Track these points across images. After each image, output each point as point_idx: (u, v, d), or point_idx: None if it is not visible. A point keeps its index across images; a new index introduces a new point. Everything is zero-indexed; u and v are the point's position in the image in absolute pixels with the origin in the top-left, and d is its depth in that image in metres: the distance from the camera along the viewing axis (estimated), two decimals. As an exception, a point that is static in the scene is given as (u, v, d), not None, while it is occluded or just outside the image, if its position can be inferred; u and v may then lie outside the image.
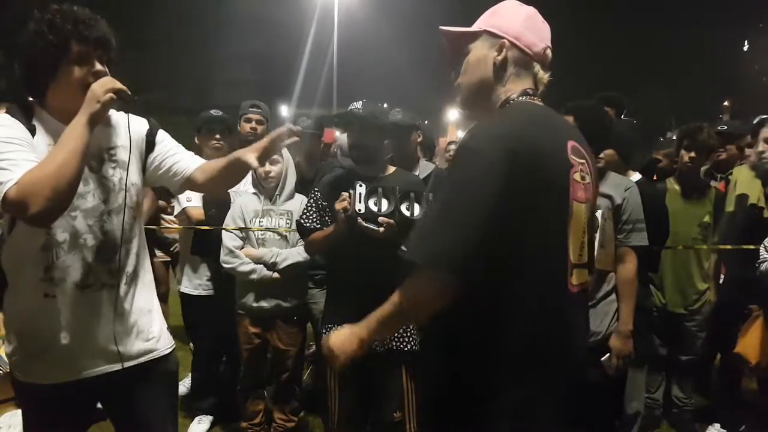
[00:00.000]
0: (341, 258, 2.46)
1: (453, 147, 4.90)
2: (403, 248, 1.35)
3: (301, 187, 3.13)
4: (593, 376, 2.42)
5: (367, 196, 2.26)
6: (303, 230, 2.56)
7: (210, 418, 3.35)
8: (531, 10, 1.47)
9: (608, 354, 2.50)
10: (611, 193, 2.55)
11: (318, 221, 2.52)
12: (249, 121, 3.59)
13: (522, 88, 1.43)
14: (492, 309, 1.31)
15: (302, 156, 3.53)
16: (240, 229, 2.98)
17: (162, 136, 1.81)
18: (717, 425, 3.39)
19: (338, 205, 2.28)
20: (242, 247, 2.96)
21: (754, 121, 4.04)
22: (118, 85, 1.52)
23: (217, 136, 3.28)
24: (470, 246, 1.23)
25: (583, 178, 1.41)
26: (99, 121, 1.53)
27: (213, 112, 3.47)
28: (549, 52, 1.47)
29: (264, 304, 2.92)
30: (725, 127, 4.01)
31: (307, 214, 2.54)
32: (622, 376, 2.71)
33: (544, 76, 1.47)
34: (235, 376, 3.18)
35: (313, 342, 3.63)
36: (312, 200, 2.55)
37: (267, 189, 3.00)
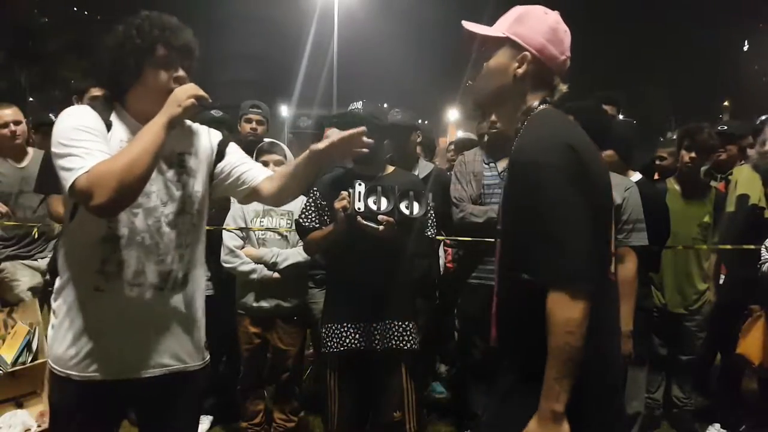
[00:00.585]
0: (340, 257, 2.46)
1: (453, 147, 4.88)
2: (526, 276, 1.37)
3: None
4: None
5: (367, 195, 2.27)
6: (302, 230, 2.56)
7: (210, 418, 3.35)
8: (555, 20, 1.47)
9: None
10: (612, 193, 2.55)
11: (317, 221, 2.52)
12: (249, 121, 3.59)
13: (541, 97, 1.47)
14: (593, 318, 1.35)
15: (302, 156, 3.53)
16: (240, 229, 2.98)
17: (233, 147, 1.84)
18: (717, 425, 3.39)
19: (338, 204, 2.28)
20: (243, 247, 2.96)
21: (757, 122, 4.04)
22: (201, 92, 1.58)
23: (218, 136, 3.28)
24: (591, 254, 1.30)
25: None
26: (177, 125, 1.58)
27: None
28: (568, 62, 1.50)
29: (264, 304, 2.92)
30: (725, 127, 4.01)
31: (306, 213, 2.54)
32: (624, 376, 2.70)
33: (562, 86, 1.51)
34: (235, 376, 3.18)
35: (313, 342, 3.63)
36: (311, 200, 2.55)
37: (267, 189, 3.00)
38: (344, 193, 2.29)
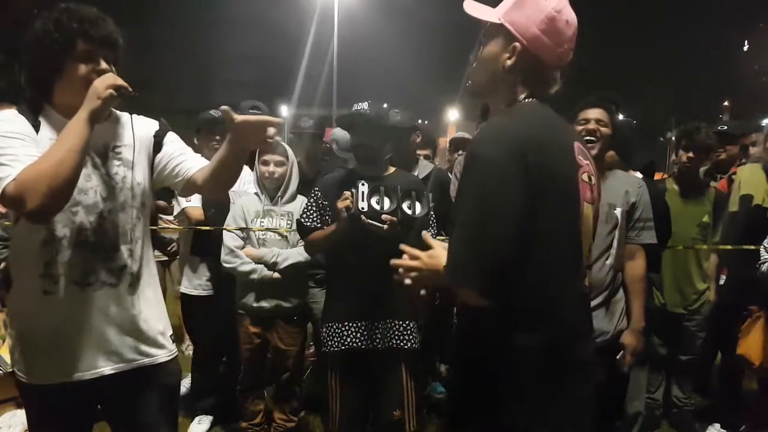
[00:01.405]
0: (342, 257, 2.46)
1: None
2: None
3: (302, 187, 3.13)
4: (599, 375, 2.42)
5: (370, 195, 2.27)
6: (303, 229, 2.56)
7: (210, 418, 3.35)
8: (555, 8, 1.35)
9: (621, 352, 2.50)
10: (628, 190, 2.56)
11: (318, 220, 2.52)
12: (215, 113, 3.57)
13: (530, 90, 1.40)
14: (513, 311, 1.30)
15: (303, 156, 3.53)
16: (240, 229, 2.98)
17: (171, 137, 1.80)
18: (717, 425, 3.39)
19: (340, 204, 2.28)
20: (243, 247, 2.96)
21: (763, 122, 4.03)
22: (120, 81, 1.52)
23: (218, 137, 3.28)
24: (497, 258, 1.24)
25: (589, 179, 1.41)
26: (100, 118, 1.53)
27: (213, 112, 3.47)
28: (569, 54, 1.40)
29: (264, 304, 2.92)
30: (725, 127, 4.01)
31: (308, 213, 2.54)
32: (626, 376, 2.71)
33: (557, 79, 1.42)
34: (235, 376, 3.18)
35: (313, 342, 3.63)
36: (312, 200, 2.55)
37: (269, 189, 3.00)
38: (347, 193, 2.29)
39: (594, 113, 2.46)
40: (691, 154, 3.16)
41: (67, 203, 1.49)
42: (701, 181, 3.49)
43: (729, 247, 3.19)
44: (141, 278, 1.71)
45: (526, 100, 1.39)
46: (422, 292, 1.47)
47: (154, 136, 1.76)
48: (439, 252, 1.41)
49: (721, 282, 3.48)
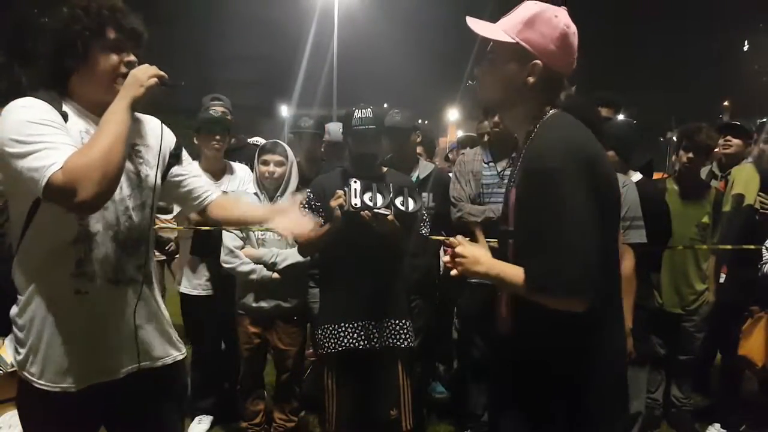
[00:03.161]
0: (336, 258, 2.46)
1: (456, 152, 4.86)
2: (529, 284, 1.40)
3: (302, 187, 3.13)
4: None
5: (362, 192, 2.27)
6: None
7: (210, 418, 3.35)
8: (565, 24, 1.43)
9: None
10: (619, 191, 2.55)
11: None
12: (216, 113, 3.56)
13: (550, 101, 1.47)
14: (595, 318, 1.36)
15: (303, 156, 3.53)
16: (240, 229, 2.98)
17: (186, 154, 1.81)
18: (717, 425, 3.39)
19: (333, 202, 2.28)
20: (242, 248, 2.96)
21: (758, 122, 4.03)
22: (161, 71, 1.50)
23: (217, 137, 3.28)
24: (594, 264, 1.30)
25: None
26: (139, 106, 1.50)
27: (212, 111, 3.46)
28: (575, 61, 1.48)
29: (264, 304, 2.92)
30: (738, 122, 3.97)
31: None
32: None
33: (570, 89, 1.51)
34: (235, 376, 3.18)
35: (313, 342, 3.63)
36: (305, 201, 2.54)
37: (268, 189, 3.00)
38: (339, 192, 2.29)
39: None
40: (691, 155, 3.16)
41: (114, 192, 1.43)
42: (702, 181, 3.49)
43: (729, 246, 3.19)
44: (152, 276, 1.70)
45: (553, 111, 1.47)
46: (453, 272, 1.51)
47: (175, 147, 1.76)
48: (481, 244, 1.53)
49: (721, 281, 3.48)
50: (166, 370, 1.70)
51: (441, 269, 3.64)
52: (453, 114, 29.54)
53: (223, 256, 2.96)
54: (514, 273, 1.40)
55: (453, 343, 3.97)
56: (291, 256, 2.91)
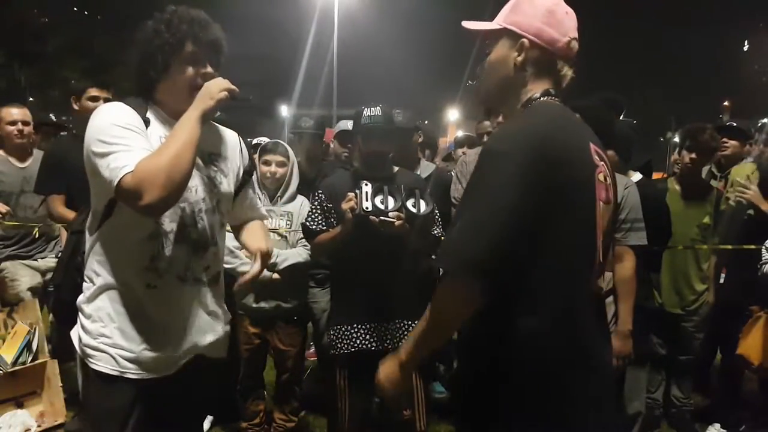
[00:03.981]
0: (348, 259, 2.45)
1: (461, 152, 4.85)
2: (433, 257, 1.35)
3: (302, 187, 3.13)
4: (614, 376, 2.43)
5: (374, 195, 2.27)
6: (309, 233, 2.55)
7: (210, 418, 3.35)
8: (553, 2, 1.39)
9: None
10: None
11: (324, 223, 2.51)
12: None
13: (544, 88, 1.40)
14: (520, 313, 1.28)
15: (303, 156, 3.53)
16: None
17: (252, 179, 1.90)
18: (717, 425, 3.39)
19: (345, 205, 2.28)
20: (242, 248, 2.96)
21: (759, 123, 4.04)
22: (232, 86, 1.57)
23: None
24: (496, 250, 1.21)
25: (605, 179, 1.40)
26: (210, 118, 1.58)
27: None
28: (574, 44, 1.40)
29: (264, 304, 2.92)
30: (734, 123, 3.99)
31: (313, 216, 2.53)
32: (621, 376, 2.70)
33: (568, 72, 1.42)
34: (235, 377, 3.18)
35: (313, 342, 3.63)
36: (317, 202, 2.55)
37: (269, 189, 3.00)
38: (351, 194, 2.29)
39: None
40: (694, 155, 3.15)
41: (180, 198, 1.51)
42: (703, 181, 3.49)
43: (729, 246, 3.19)
44: (218, 280, 1.76)
45: (542, 99, 1.39)
46: None
47: (249, 165, 1.86)
48: None
49: (721, 281, 3.48)
50: (209, 371, 1.75)
51: (441, 270, 3.64)
52: (453, 114, 29.53)
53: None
54: (414, 333, 1.39)
55: (453, 343, 3.97)
56: (291, 256, 2.91)
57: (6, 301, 3.50)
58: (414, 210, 2.30)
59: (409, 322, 2.45)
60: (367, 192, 2.26)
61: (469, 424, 1.42)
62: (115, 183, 1.40)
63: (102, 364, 1.58)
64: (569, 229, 1.28)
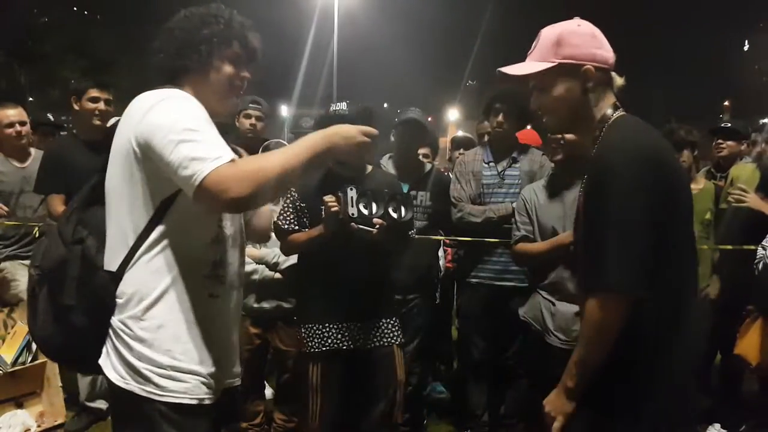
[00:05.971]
0: (321, 258, 2.41)
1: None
2: (586, 280, 1.46)
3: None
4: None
5: (358, 200, 2.24)
6: (280, 231, 2.50)
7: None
8: (589, 27, 1.53)
9: None
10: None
11: (295, 222, 2.47)
12: (248, 117, 3.55)
13: (611, 102, 1.52)
14: (653, 321, 1.40)
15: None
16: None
17: None
18: (717, 425, 3.39)
19: (329, 210, 2.24)
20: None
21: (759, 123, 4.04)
22: (369, 129, 1.48)
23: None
24: (646, 261, 1.34)
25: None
26: (327, 160, 1.49)
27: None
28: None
29: (265, 305, 2.92)
30: (729, 124, 4.00)
31: (284, 215, 2.48)
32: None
33: (619, 79, 1.55)
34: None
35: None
36: (289, 201, 2.50)
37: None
38: (332, 198, 2.25)
39: None
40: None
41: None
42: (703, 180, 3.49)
43: (729, 246, 3.19)
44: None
45: (617, 113, 1.51)
46: None
47: None
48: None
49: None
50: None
51: (441, 269, 3.65)
52: (453, 114, 29.53)
53: (223, 256, 2.95)
54: (573, 359, 1.45)
55: (453, 343, 3.97)
56: (293, 256, 2.91)
57: (6, 301, 3.50)
58: (395, 216, 2.28)
59: (381, 320, 2.45)
60: (352, 197, 2.22)
61: (592, 410, 1.48)
62: (204, 174, 1.25)
63: (178, 395, 1.38)
64: (679, 224, 1.43)
